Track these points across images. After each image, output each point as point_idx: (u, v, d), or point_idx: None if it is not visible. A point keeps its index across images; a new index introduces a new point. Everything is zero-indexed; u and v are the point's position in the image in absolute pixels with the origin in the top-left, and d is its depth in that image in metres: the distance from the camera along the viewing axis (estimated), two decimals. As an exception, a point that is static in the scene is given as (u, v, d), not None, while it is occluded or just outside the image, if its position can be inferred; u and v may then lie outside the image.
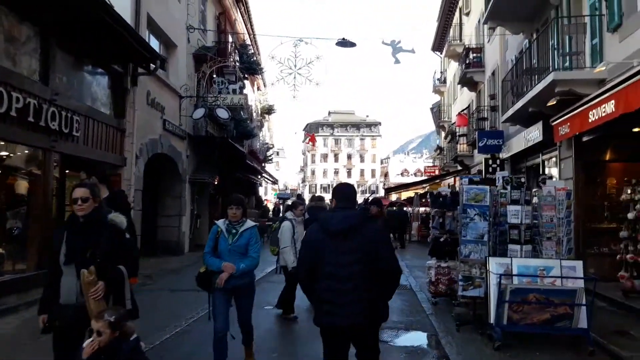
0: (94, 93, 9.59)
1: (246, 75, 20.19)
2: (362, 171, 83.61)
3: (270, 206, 31.10)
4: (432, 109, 33.23)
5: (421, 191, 24.13)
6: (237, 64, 18.52)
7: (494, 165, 13.74)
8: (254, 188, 27.64)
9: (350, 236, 2.95)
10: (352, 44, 14.04)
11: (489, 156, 14.35)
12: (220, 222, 4.35)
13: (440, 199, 7.21)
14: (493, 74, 15.91)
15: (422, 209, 21.02)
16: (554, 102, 7.94)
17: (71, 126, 8.10)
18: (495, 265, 5.47)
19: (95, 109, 9.39)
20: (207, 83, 16.14)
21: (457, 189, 6.88)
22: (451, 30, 24.87)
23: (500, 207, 6.06)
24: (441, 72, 30.96)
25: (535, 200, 6.10)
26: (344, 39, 13.94)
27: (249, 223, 4.34)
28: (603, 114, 6.72)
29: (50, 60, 7.79)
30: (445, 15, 25.41)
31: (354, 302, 2.89)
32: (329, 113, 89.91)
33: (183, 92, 14.09)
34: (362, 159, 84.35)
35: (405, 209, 24.36)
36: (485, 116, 15.70)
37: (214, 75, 16.43)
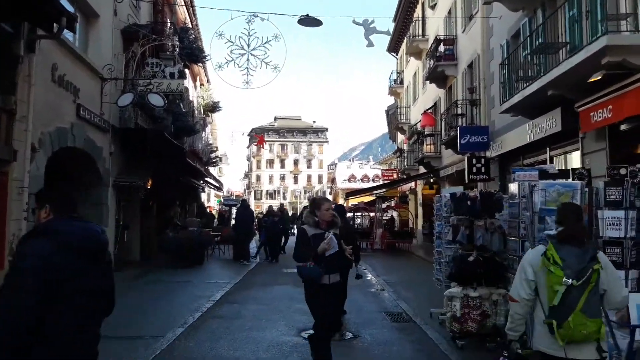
0: (-36, 55, 6.73)
1: (187, 64, 17.41)
2: (309, 177, 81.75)
3: (215, 214, 28.20)
4: (387, 111, 31.80)
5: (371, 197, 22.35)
6: (177, 48, 15.77)
7: (478, 165, 12.04)
8: (196, 193, 24.66)
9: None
10: (318, 22, 11.92)
11: (469, 155, 12.69)
12: None
13: (468, 201, 5.14)
14: (470, 65, 14.32)
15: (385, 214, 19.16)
16: (599, 77, 6.17)
17: None
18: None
19: (-35, 78, 6.55)
20: (139, 66, 13.29)
21: (494, 190, 4.76)
22: (412, 26, 23.48)
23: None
24: (398, 73, 29.65)
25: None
26: (307, 15, 11.79)
27: None
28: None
29: None
30: (405, 13, 23.99)
31: None
32: (275, 118, 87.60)
33: (106, 73, 11.22)
34: (309, 165, 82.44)
35: (365, 214, 22.56)
36: (463, 112, 14.05)
37: (148, 57, 13.62)
